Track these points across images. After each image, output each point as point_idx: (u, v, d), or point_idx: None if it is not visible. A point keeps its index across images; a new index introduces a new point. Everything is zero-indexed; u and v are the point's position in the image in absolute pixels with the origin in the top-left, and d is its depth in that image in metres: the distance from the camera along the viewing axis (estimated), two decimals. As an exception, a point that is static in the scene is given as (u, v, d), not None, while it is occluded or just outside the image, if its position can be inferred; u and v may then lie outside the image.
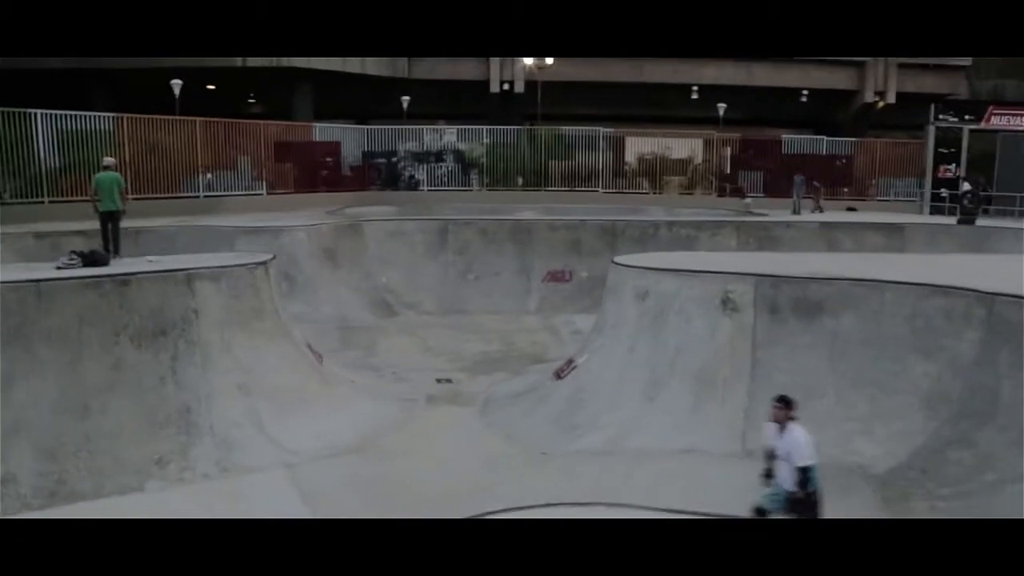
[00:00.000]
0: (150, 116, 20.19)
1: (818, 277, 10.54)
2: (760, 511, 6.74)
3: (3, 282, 9.93)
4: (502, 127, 27.04)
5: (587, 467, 9.44)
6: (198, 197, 21.30)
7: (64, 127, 18.83)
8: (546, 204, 25.00)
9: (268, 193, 23.22)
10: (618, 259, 12.01)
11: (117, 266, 11.40)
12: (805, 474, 6.36)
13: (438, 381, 13.30)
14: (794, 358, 10.22)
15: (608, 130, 25.97)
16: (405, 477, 9.44)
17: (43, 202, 18.40)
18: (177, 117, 20.99)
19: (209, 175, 22.17)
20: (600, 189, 26.01)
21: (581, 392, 11.16)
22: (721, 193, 25.85)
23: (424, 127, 28.15)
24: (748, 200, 24.40)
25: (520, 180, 26.81)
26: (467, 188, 26.06)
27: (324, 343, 15.64)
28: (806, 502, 6.45)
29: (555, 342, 15.61)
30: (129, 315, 10.40)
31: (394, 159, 26.38)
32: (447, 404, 12.21)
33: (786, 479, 6.51)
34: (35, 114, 18.19)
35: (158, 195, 20.35)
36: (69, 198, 18.80)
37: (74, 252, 11.09)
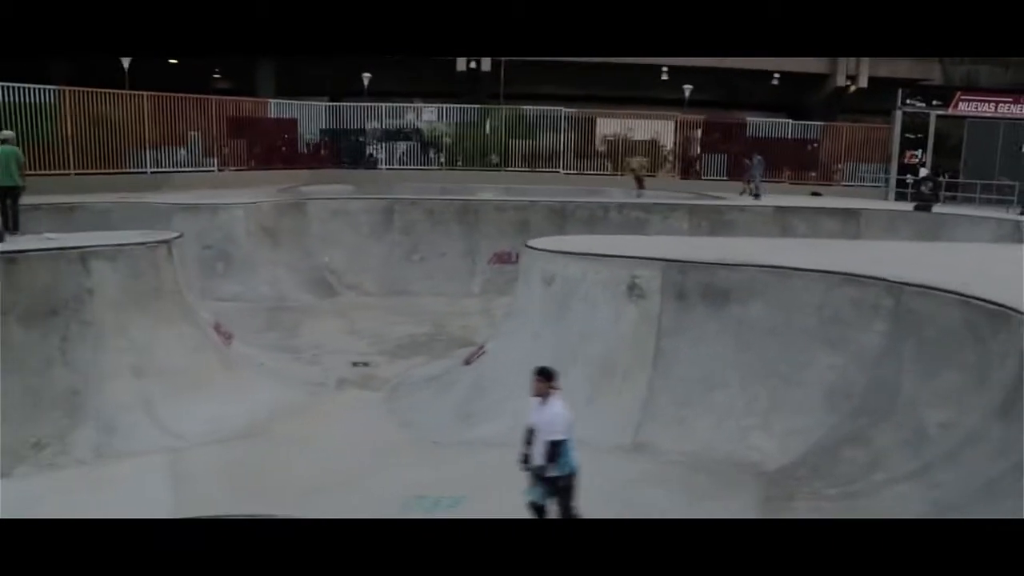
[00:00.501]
0: (95, 89, 19.69)
1: (727, 263, 10.17)
2: (535, 507, 6.45)
3: None
4: (462, 106, 26.52)
5: (471, 458, 9.13)
6: (145, 173, 20.84)
7: (2, 99, 18.31)
8: (506, 184, 24.60)
9: (220, 170, 22.75)
10: (531, 242, 11.61)
11: (15, 243, 11.06)
12: (555, 449, 6.12)
13: (354, 364, 12.97)
14: (699, 347, 9.89)
15: (571, 110, 25.46)
16: (285, 465, 9.11)
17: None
18: (124, 91, 20.47)
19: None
20: (562, 170, 25.55)
21: (484, 379, 10.83)
22: (684, 175, 25.44)
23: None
24: (640, 192, 23.12)
25: (495, 159, 26.36)
26: (427, 167, 25.59)
27: (251, 324, 15.34)
28: (557, 481, 6.17)
29: (487, 325, 15.22)
30: (17, 294, 10.09)
31: (355, 137, 25.91)
32: (356, 389, 11.88)
33: (539, 456, 6.28)
34: (-33, 86, 17.70)
35: (103, 171, 19.90)
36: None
37: (-36, 228, 10.73)
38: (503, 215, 19.73)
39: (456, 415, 10.36)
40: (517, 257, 18.72)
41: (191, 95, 21.51)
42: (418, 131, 26.24)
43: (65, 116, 19.16)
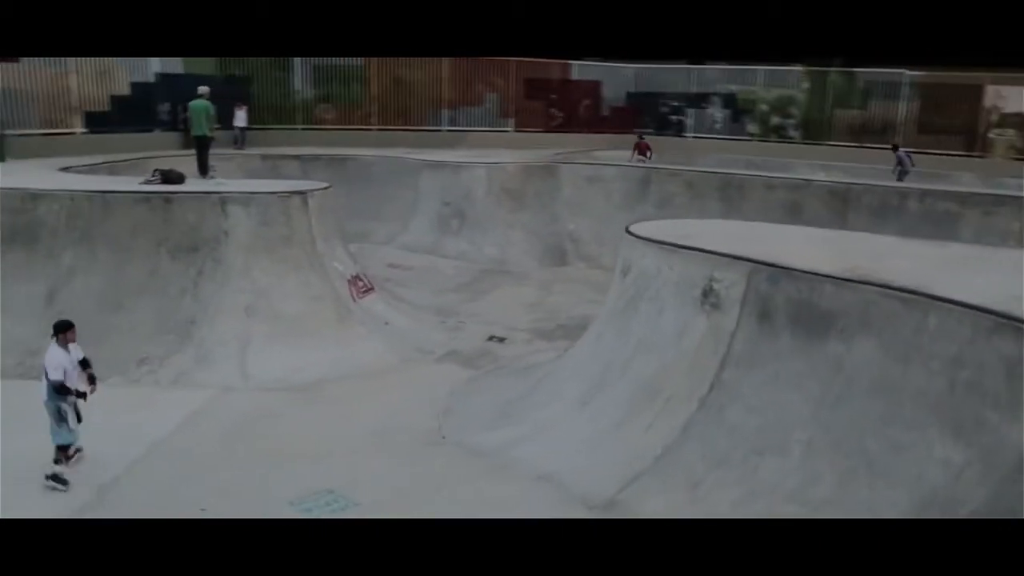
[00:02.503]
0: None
1: (837, 276, 6.99)
2: None
3: (81, 191, 11.62)
4: (777, 69, 22.83)
5: (441, 467, 7.84)
6: (440, 131, 22.11)
7: (318, 63, 20.91)
8: (824, 161, 20.83)
9: (516, 130, 23.12)
10: (632, 227, 9.35)
11: (195, 185, 12.46)
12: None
13: (489, 339, 12.12)
14: (770, 389, 7.05)
15: (915, 74, 20.23)
16: (293, 429, 8.91)
17: (297, 128, 20.83)
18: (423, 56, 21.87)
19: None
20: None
21: (548, 378, 9.23)
22: None
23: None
24: (647, 157, 19.69)
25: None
26: (738, 138, 22.83)
27: (446, 283, 15.45)
28: None
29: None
30: (170, 229, 11.37)
31: (661, 102, 24.19)
32: (454, 364, 11.07)
33: None
34: (294, 51, 20.47)
35: (403, 127, 21.67)
36: (319, 127, 21.09)
37: (157, 170, 12.36)
38: (772, 194, 16.68)
39: (497, 412, 9.02)
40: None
41: (489, 57, 22.04)
42: (732, 97, 23.45)
43: (371, 77, 21.17)
